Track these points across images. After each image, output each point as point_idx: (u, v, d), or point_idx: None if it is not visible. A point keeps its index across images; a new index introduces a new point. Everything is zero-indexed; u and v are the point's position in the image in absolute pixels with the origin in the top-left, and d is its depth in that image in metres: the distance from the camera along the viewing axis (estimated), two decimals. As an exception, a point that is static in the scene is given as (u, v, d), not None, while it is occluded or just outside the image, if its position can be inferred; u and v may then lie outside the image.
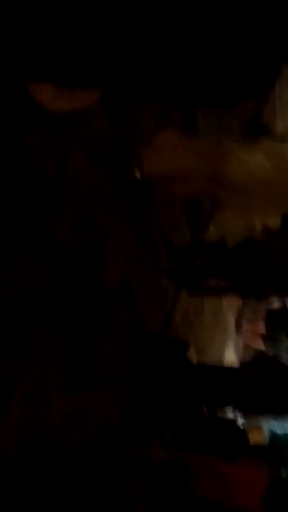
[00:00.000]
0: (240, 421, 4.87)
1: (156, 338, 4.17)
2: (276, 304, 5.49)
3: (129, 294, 3.85)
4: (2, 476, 2.76)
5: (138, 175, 3.56)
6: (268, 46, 1.70)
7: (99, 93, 2.43)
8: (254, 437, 4.69)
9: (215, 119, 4.28)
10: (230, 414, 4.82)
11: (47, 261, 2.95)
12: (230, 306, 5.50)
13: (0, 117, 2.56)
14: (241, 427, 4.82)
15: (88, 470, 3.43)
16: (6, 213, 2.67)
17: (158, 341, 4.18)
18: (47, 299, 3.01)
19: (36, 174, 2.87)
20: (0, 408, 2.73)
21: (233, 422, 4.80)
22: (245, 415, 4.80)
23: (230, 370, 4.84)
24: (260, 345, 5.46)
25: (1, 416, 2.73)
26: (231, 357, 5.50)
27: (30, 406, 2.92)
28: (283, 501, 3.70)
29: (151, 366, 4.06)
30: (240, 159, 3.42)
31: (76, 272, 3.24)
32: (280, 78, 5.38)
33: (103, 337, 3.55)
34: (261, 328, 5.49)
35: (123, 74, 1.97)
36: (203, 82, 1.69)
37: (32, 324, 2.89)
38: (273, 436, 4.81)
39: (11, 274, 2.73)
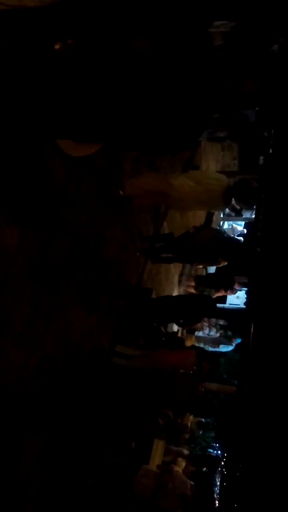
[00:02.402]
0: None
1: (133, 287, 4.20)
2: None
3: (118, 263, 3.82)
4: (46, 367, 2.75)
5: (122, 193, 3.58)
6: (195, 121, 1.53)
7: (99, 146, 2.31)
8: (188, 341, 4.83)
9: (166, 161, 4.29)
10: (174, 328, 4.92)
11: (69, 243, 2.94)
12: (175, 269, 5.56)
13: (41, 160, 2.52)
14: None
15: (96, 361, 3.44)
16: (43, 217, 2.67)
17: (135, 288, 4.19)
18: (70, 266, 2.97)
19: (63, 192, 2.87)
20: (45, 328, 2.73)
21: (176, 333, 4.91)
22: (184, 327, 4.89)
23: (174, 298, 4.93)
24: (192, 290, 5.58)
25: (45, 331, 2.74)
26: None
27: (61, 327, 2.92)
28: None
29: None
30: (180, 182, 3.40)
31: (87, 250, 3.21)
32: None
33: (104, 289, 3.52)
34: (192, 282, 5.61)
35: (114, 137, 1.80)
36: (159, 142, 1.67)
37: (62, 280, 2.89)
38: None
39: (49, 251, 2.73)
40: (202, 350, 4.58)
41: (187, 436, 4.92)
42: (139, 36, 1.58)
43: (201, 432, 5.89)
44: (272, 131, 5.69)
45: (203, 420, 5.41)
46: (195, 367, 3.86)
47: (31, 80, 1.62)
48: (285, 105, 5.15)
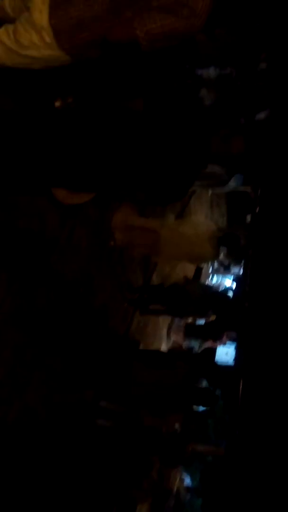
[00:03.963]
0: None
1: (121, 338, 4.11)
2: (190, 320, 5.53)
3: (106, 312, 3.78)
4: (25, 419, 2.65)
5: (113, 243, 3.62)
6: (183, 176, 1.66)
7: (92, 195, 2.50)
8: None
9: (157, 212, 4.40)
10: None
11: (57, 292, 2.92)
12: (163, 322, 5.51)
13: (36, 207, 2.59)
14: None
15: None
16: (33, 264, 2.64)
17: (122, 340, 4.11)
18: (57, 315, 2.91)
19: (55, 239, 2.91)
20: (27, 378, 2.61)
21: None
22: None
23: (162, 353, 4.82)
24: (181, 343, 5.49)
25: (28, 382, 2.62)
26: (163, 348, 5.40)
27: (45, 378, 2.79)
28: None
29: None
30: (170, 232, 3.47)
31: (75, 297, 3.19)
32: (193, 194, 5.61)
33: (90, 339, 3.39)
34: (182, 336, 5.53)
35: (108, 188, 1.92)
36: (149, 193, 1.76)
37: (48, 330, 2.79)
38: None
39: (37, 298, 2.73)
40: (192, 412, 4.43)
41: (172, 502, 4.61)
42: (135, 97, 1.73)
43: (188, 498, 5.51)
44: (259, 191, 6.00)
45: (190, 484, 5.10)
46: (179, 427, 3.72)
47: (33, 133, 1.73)
48: (270, 166, 5.47)
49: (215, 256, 3.70)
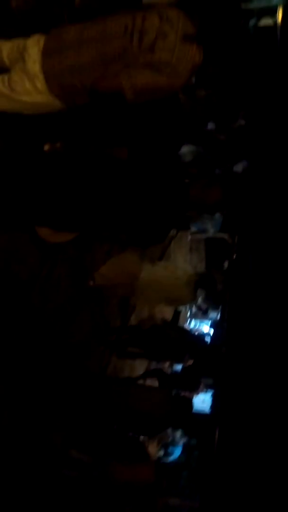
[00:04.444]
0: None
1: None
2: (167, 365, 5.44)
3: (83, 353, 3.72)
4: None
5: (92, 283, 3.59)
6: (163, 222, 1.75)
7: (76, 235, 2.49)
8: (151, 447, 4.49)
9: (137, 254, 4.44)
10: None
11: (34, 331, 2.90)
12: (140, 366, 5.42)
13: (17, 244, 2.62)
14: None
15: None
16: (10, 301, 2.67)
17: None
18: (31, 355, 2.87)
19: (34, 277, 2.91)
20: None
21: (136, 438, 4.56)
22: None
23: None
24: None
25: None
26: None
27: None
28: None
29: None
30: (149, 273, 3.50)
31: (51, 336, 3.14)
32: (173, 238, 5.74)
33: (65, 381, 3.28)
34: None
35: (91, 229, 2.03)
36: (133, 235, 1.84)
37: (22, 371, 2.80)
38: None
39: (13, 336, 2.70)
40: (161, 464, 4.27)
41: None
42: (120, 146, 1.85)
43: None
44: (236, 238, 6.22)
45: None
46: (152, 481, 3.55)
47: (22, 174, 1.82)
48: (247, 215, 5.73)
49: (192, 299, 3.76)
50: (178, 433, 5.96)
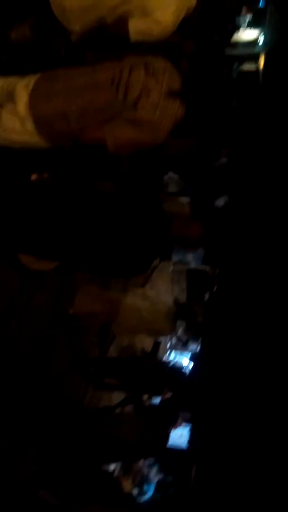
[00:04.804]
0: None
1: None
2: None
3: (60, 384, 3.64)
4: None
5: (71, 312, 3.58)
6: (145, 253, 1.80)
7: (58, 263, 2.50)
8: (125, 484, 4.35)
9: (119, 285, 4.46)
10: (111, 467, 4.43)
11: (9, 359, 2.85)
12: (118, 398, 5.30)
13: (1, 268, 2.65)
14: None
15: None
16: None
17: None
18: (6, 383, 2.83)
19: (13, 304, 2.87)
20: None
21: (111, 474, 4.42)
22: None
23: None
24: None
25: None
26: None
27: None
28: None
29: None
30: (130, 302, 3.51)
31: (29, 365, 3.10)
32: (155, 268, 5.75)
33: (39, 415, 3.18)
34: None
35: (73, 258, 2.03)
36: (115, 266, 1.87)
37: None
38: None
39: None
40: (136, 505, 4.12)
41: None
42: (106, 180, 1.91)
43: None
44: (216, 270, 6.31)
45: None
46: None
47: (7, 201, 1.84)
48: (227, 248, 5.84)
49: (172, 331, 3.76)
50: (154, 470, 5.79)
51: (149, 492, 5.43)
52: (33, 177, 2.11)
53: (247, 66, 5.80)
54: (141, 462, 5.31)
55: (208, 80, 1.76)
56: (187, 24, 1.97)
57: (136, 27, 1.87)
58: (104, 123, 1.72)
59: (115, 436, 3.28)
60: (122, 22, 1.89)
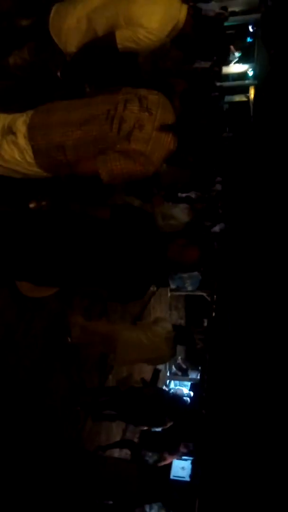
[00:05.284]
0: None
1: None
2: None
3: (56, 417, 3.52)
4: None
5: (70, 340, 3.53)
6: (145, 280, 1.85)
7: (56, 290, 2.57)
8: None
9: (118, 313, 4.46)
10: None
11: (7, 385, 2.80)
12: (117, 429, 5.18)
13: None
14: None
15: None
16: None
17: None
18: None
19: (10, 332, 2.85)
20: None
21: None
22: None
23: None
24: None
25: None
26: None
27: None
28: None
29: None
30: (128, 332, 3.49)
31: (24, 395, 3.01)
32: (153, 295, 5.76)
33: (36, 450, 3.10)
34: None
35: (71, 284, 2.13)
36: (113, 291, 1.88)
37: None
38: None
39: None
40: None
41: None
42: (103, 207, 1.95)
43: None
44: (214, 296, 6.31)
45: None
46: None
47: (5, 229, 1.87)
48: (224, 274, 5.86)
49: (173, 356, 3.72)
50: (157, 506, 5.58)
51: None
52: (32, 205, 2.15)
53: (238, 97, 6.02)
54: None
55: (200, 115, 1.83)
56: (183, 39, 2.08)
57: (123, 35, 1.97)
58: (98, 155, 1.77)
59: (111, 485, 3.17)
60: (110, 34, 1.99)
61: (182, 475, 6.64)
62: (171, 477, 6.77)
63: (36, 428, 3.13)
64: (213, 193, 5.59)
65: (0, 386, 2.72)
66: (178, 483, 5.85)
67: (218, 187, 5.87)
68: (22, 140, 1.80)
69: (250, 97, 6.17)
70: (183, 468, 6.34)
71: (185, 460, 6.00)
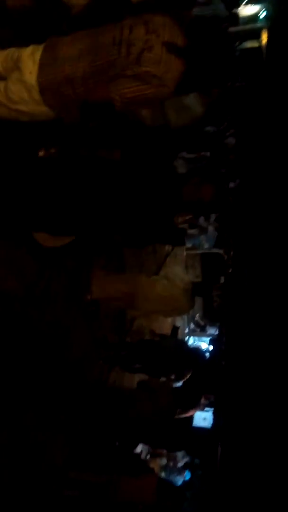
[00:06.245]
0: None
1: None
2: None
3: (81, 369, 3.62)
4: None
5: (89, 297, 3.59)
6: (157, 219, 1.78)
7: (72, 238, 2.43)
8: (152, 465, 4.33)
9: (136, 265, 4.40)
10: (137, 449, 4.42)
11: (32, 340, 2.84)
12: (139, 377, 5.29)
13: (14, 255, 2.61)
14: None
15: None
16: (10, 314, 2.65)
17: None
18: (29, 367, 2.81)
19: (31, 291, 2.86)
20: None
21: (138, 455, 4.41)
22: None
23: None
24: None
25: None
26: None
27: (7, 436, 2.68)
28: None
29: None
30: (148, 283, 3.48)
31: (49, 350, 3.07)
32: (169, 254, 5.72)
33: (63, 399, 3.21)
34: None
35: (86, 231, 2.06)
36: (127, 235, 1.86)
37: (17, 383, 2.73)
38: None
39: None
40: (164, 481, 4.11)
41: None
42: (113, 148, 1.88)
43: None
44: (231, 252, 6.23)
45: None
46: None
47: (17, 179, 1.83)
48: (240, 229, 5.76)
49: (191, 307, 3.72)
50: (180, 453, 5.78)
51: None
52: (41, 153, 2.09)
53: (250, 43, 5.67)
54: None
55: (209, 36, 1.72)
56: None
57: None
58: (110, 83, 1.71)
59: (141, 413, 3.27)
60: None
61: (204, 425, 6.84)
62: (194, 425, 6.97)
63: (60, 379, 3.21)
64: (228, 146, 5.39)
65: (24, 340, 2.76)
66: (200, 431, 6.04)
67: (231, 140, 5.65)
68: (28, 77, 1.74)
69: (262, 43, 5.81)
70: (204, 419, 6.53)
71: (207, 411, 6.16)
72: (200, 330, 7.59)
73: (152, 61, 1.70)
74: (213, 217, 6.06)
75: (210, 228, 6.27)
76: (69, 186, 1.84)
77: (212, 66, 1.80)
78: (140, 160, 1.78)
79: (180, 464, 5.77)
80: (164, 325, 5.34)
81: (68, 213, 1.86)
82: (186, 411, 5.52)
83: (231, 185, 6.16)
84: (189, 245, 6.48)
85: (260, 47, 5.61)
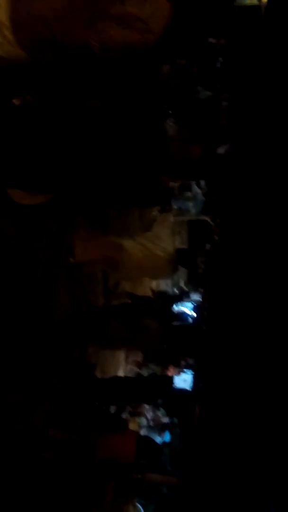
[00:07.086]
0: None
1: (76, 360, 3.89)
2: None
3: (65, 331, 3.56)
4: None
5: (72, 260, 3.47)
6: (141, 176, 1.70)
7: (50, 197, 2.22)
8: (131, 424, 4.43)
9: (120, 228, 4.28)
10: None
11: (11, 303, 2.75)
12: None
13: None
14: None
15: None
16: None
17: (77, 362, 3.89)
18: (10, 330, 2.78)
19: (10, 250, 2.72)
20: None
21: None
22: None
23: (120, 379, 4.62)
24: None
25: None
26: (121, 374, 5.20)
27: None
28: None
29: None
30: (131, 246, 3.40)
31: (32, 310, 3.01)
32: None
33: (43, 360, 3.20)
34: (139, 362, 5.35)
35: (64, 188, 1.89)
36: (107, 193, 1.73)
37: None
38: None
39: None
40: (144, 438, 4.19)
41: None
42: (91, 97, 1.70)
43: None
44: (217, 220, 6.13)
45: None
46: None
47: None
48: (228, 197, 5.63)
49: (174, 272, 3.66)
50: (159, 413, 5.91)
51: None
52: (16, 101, 1.90)
53: (249, 0, 5.30)
54: (147, 406, 5.42)
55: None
56: None
57: None
58: (89, 24, 1.50)
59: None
60: None
61: (184, 387, 6.98)
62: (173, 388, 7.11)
63: (41, 339, 3.15)
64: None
65: (4, 299, 2.65)
66: (180, 392, 6.16)
67: (224, 103, 5.38)
68: (1, 14, 1.53)
69: (262, 0, 5.42)
70: (185, 380, 6.67)
71: (187, 374, 6.29)
72: (184, 296, 7.60)
73: (137, 1, 1.54)
74: (202, 183, 5.89)
75: (199, 194, 6.12)
76: (45, 136, 1.67)
77: (204, 15, 1.62)
78: (126, 110, 1.61)
79: (160, 424, 5.92)
80: (148, 291, 5.30)
81: (45, 166, 1.71)
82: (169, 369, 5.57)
83: (221, 150, 5.94)
84: (175, 206, 6.33)
85: (259, 5, 5.25)
